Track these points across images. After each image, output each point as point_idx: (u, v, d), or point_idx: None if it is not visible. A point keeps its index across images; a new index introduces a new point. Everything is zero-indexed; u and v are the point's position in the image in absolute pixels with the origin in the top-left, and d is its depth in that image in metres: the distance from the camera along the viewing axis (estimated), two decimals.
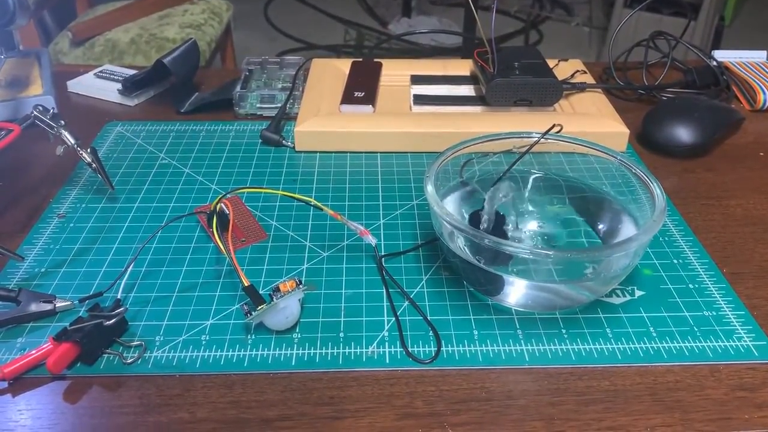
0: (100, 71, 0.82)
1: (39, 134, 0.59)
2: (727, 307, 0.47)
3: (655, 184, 0.47)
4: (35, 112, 0.58)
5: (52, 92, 0.73)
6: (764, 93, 0.76)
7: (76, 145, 0.58)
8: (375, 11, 3.08)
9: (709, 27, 2.41)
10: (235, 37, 1.96)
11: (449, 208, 0.50)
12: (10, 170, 0.63)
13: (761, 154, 0.68)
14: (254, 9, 3.02)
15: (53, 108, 0.62)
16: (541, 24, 3.02)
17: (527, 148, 0.52)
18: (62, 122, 0.59)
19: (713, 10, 2.37)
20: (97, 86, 0.79)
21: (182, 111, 0.74)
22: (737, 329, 0.45)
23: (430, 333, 0.45)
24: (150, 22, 1.65)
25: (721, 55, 0.85)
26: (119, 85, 0.77)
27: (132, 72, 0.80)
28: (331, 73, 0.77)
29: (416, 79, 0.77)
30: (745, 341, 0.44)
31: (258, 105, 0.73)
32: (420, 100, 0.73)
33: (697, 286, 0.49)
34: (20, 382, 0.41)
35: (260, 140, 0.68)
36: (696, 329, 0.45)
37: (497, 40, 0.68)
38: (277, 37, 2.81)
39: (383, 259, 0.51)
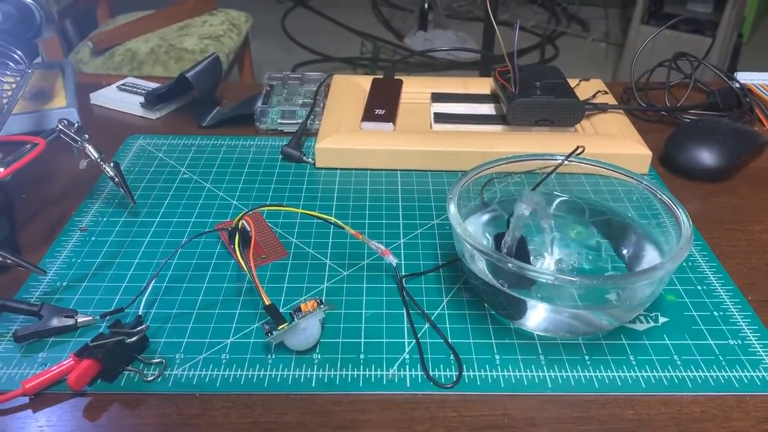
0: (123, 84, 0.83)
1: (62, 147, 0.59)
2: (753, 336, 0.46)
3: (680, 210, 0.47)
4: (60, 126, 0.59)
5: (75, 105, 0.73)
6: None
7: (99, 159, 0.58)
8: (391, 24, 3.09)
9: (727, 44, 2.40)
10: (251, 48, 1.97)
11: (471, 229, 0.49)
12: (32, 183, 0.64)
13: None
14: (271, 20, 3.04)
15: (77, 122, 0.62)
16: (557, 39, 3.02)
17: (550, 170, 0.52)
18: (86, 136, 0.59)
19: (731, 27, 2.36)
20: (120, 99, 0.79)
21: (204, 125, 0.75)
22: (764, 359, 0.44)
23: (451, 356, 0.44)
24: (169, 33, 1.67)
25: (744, 77, 0.84)
26: (142, 98, 0.77)
27: (155, 85, 0.81)
28: (351, 89, 0.77)
29: (437, 97, 0.77)
30: None
31: (279, 120, 0.74)
32: (440, 118, 0.73)
33: (722, 313, 0.49)
34: (41, 398, 0.41)
35: (281, 156, 0.69)
36: (721, 358, 0.45)
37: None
38: (293, 48, 2.83)
39: (404, 279, 0.51)
